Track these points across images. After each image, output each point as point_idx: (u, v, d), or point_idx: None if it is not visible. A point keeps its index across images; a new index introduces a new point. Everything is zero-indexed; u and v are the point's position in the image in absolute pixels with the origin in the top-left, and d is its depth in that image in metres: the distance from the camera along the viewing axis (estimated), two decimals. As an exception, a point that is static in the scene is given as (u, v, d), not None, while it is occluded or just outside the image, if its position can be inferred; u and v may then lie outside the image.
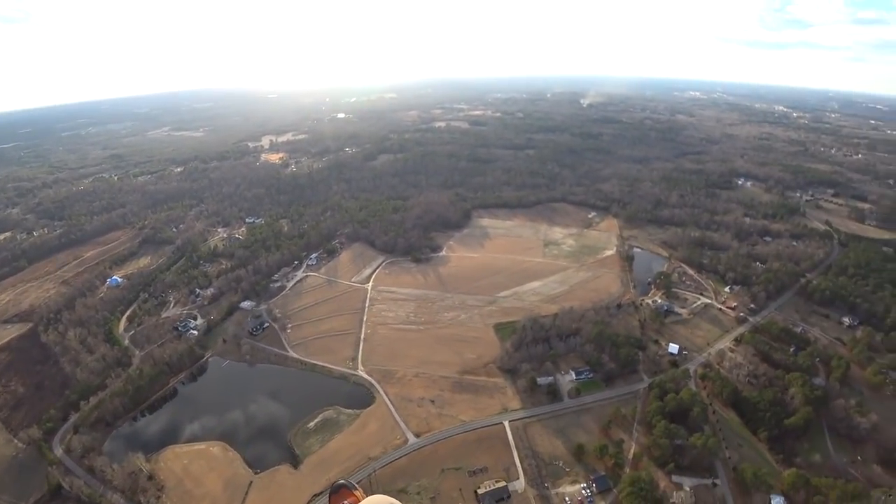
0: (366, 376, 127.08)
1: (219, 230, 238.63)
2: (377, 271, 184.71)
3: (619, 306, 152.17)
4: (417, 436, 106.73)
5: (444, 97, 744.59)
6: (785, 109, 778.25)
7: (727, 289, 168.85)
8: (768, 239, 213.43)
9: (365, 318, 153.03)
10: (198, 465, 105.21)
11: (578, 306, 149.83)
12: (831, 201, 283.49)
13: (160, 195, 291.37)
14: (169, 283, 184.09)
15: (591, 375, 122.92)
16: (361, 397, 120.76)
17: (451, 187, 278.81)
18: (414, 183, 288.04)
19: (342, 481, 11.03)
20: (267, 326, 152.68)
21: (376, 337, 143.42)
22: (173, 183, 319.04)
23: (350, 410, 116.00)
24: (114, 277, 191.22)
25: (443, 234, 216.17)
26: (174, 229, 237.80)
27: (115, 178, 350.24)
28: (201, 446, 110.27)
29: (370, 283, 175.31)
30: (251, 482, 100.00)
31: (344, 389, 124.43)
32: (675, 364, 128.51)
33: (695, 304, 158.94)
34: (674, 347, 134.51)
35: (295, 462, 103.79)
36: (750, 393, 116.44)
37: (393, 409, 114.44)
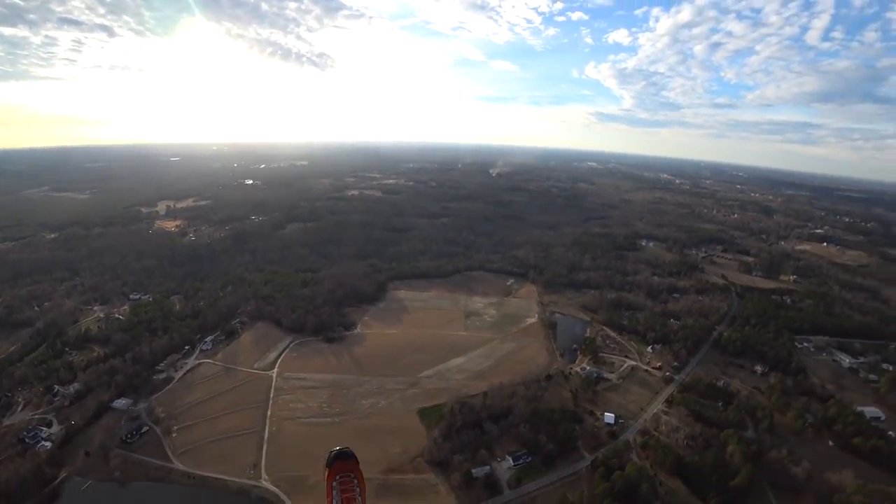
0: (271, 487, 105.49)
1: (95, 309, 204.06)
2: (284, 355, 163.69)
3: (548, 377, 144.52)
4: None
5: (357, 165, 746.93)
6: (669, 177, 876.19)
7: (649, 348, 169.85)
8: (677, 296, 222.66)
9: (269, 413, 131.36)
10: None
11: (508, 382, 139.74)
12: (722, 256, 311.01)
13: (24, 266, 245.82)
14: (19, 377, 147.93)
15: (530, 459, 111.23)
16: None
17: (365, 258, 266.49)
18: (325, 254, 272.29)
19: (346, 450, 11.04)
20: (146, 431, 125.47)
21: (283, 435, 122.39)
22: (44, 252, 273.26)
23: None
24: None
25: (357, 308, 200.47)
26: (36, 308, 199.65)
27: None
28: None
29: (275, 370, 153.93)
30: None
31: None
32: (613, 435, 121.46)
33: (622, 368, 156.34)
34: (609, 417, 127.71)
35: None
36: (692, 457, 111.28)
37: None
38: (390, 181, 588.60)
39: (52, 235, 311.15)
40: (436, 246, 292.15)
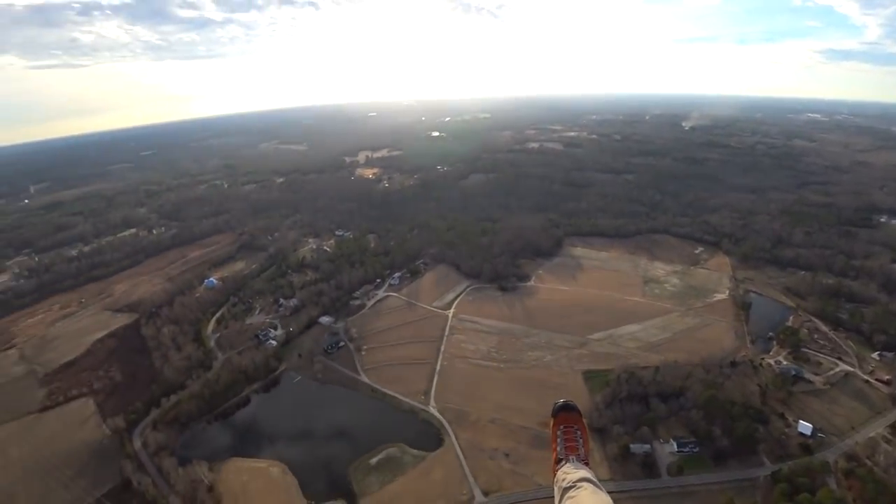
0: (437, 414, 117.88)
1: (309, 241, 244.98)
2: (460, 297, 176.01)
3: (733, 364, 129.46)
4: (486, 494, 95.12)
5: (538, 118, 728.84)
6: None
7: (875, 355, 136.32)
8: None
9: (443, 348, 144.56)
10: (256, 484, 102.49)
11: (684, 360, 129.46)
12: None
13: (261, 203, 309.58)
14: (257, 289, 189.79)
15: (697, 449, 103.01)
16: (430, 437, 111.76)
17: (543, 211, 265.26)
18: (504, 205, 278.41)
19: (570, 402, 10.96)
20: (342, 346, 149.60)
21: (453, 371, 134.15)
22: (274, 193, 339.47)
23: (416, 451, 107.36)
24: (210, 279, 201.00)
25: (532, 261, 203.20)
26: (269, 237, 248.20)
27: (226, 185, 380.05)
28: (262, 464, 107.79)
29: (451, 310, 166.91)
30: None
31: (412, 426, 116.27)
32: (807, 449, 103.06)
33: (832, 372, 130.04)
34: (805, 427, 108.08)
35: (351, 499, 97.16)
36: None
37: (462, 458, 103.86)
38: (571, 134, 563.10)
39: (280, 180, 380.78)
40: (617, 204, 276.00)
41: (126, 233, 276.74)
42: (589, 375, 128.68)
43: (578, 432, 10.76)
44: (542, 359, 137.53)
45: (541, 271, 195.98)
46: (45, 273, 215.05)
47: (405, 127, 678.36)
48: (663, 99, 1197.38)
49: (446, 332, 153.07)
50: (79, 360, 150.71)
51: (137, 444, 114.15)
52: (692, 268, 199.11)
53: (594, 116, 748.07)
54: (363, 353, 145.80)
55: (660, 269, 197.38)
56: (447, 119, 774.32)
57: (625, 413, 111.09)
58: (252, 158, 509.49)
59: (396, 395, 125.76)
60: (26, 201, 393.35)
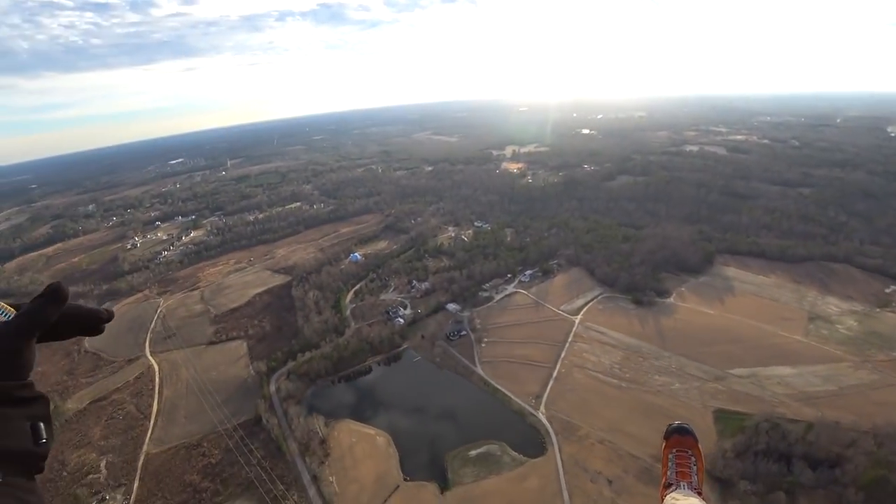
0: (545, 421, 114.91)
1: (449, 229, 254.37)
2: (590, 304, 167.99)
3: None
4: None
5: (700, 118, 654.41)
6: None
7: None
8: None
9: (563, 355, 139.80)
10: (362, 447, 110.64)
11: (849, 423, 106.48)
12: None
13: (409, 189, 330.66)
14: (394, 269, 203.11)
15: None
16: (533, 443, 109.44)
17: (695, 223, 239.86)
18: (652, 211, 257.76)
19: (686, 425, 10.42)
20: (464, 334, 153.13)
21: (569, 380, 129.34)
22: (422, 180, 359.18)
23: (516, 454, 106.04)
24: (355, 254, 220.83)
25: (675, 277, 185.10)
26: (412, 221, 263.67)
27: (380, 170, 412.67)
28: (371, 431, 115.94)
29: (579, 316, 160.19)
30: (398, 486, 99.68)
31: (517, 427, 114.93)
32: None
33: None
34: None
35: (443, 485, 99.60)
36: None
37: (561, 473, 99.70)
38: (738, 137, 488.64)
39: (429, 168, 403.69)
40: (786, 222, 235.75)
41: (292, 205, 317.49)
42: (721, 415, 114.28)
43: (693, 458, 9.97)
44: (670, 385, 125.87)
45: (683, 288, 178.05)
46: (228, 233, 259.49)
47: (555, 123, 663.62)
48: (863, 98, 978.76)
49: (569, 339, 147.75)
50: (241, 308, 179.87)
51: (272, 388, 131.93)
52: (879, 310, 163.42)
53: (768, 118, 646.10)
54: (483, 345, 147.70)
55: (832, 305, 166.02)
56: (599, 116, 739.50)
57: (758, 469, 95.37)
58: (406, 146, 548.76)
59: (508, 393, 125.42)
60: (223, 173, 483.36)
